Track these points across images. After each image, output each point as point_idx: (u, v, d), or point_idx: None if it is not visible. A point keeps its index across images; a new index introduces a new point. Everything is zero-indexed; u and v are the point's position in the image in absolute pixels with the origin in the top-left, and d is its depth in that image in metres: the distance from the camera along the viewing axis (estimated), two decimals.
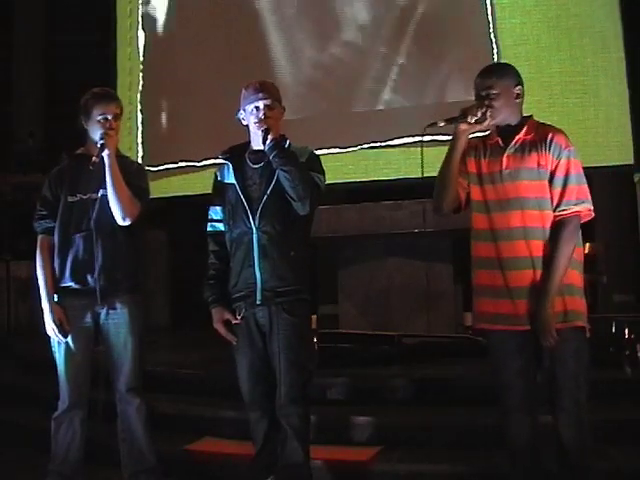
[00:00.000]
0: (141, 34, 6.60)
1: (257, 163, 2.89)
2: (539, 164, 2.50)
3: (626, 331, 3.98)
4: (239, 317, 2.85)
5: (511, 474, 2.60)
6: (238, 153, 2.95)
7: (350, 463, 3.35)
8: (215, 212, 2.96)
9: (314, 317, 4.27)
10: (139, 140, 6.46)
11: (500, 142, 2.59)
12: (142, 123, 6.45)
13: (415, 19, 5.77)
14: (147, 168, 6.33)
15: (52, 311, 2.99)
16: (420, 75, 5.72)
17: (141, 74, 6.52)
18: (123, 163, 3.10)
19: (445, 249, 4.85)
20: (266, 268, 2.80)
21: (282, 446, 2.82)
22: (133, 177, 3.08)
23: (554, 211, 2.49)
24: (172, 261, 7.04)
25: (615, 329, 4.09)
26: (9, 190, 7.54)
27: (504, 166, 2.54)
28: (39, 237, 3.10)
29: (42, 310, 3.02)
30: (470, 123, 2.55)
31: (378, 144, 5.69)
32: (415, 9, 5.78)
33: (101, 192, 3.03)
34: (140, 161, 6.42)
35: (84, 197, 3.04)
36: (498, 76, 2.58)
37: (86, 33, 7.72)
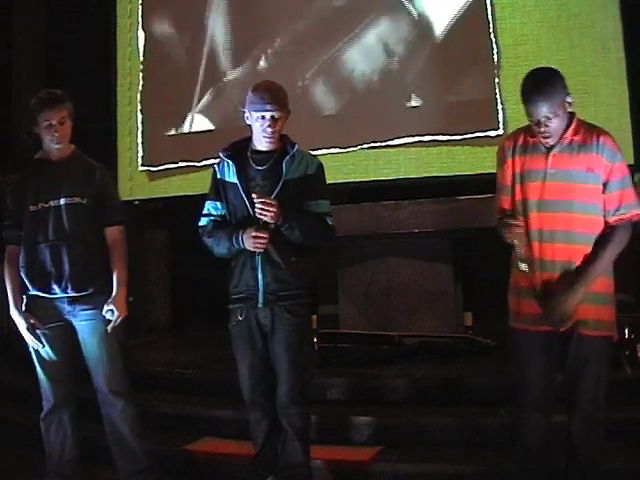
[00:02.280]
0: (141, 34, 6.59)
1: (261, 164, 2.86)
2: (588, 168, 2.44)
3: (626, 331, 3.98)
4: (240, 317, 2.84)
5: (515, 473, 2.59)
6: (239, 151, 2.91)
7: (350, 463, 3.35)
8: (215, 207, 2.92)
9: (314, 317, 4.28)
10: (139, 140, 6.45)
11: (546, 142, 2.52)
12: (142, 123, 6.44)
13: (415, 19, 5.76)
14: (147, 168, 6.43)
15: (24, 318, 2.96)
16: (420, 75, 5.71)
17: (141, 74, 6.51)
18: (85, 171, 3.06)
19: (445, 249, 4.85)
20: (268, 272, 2.79)
21: (283, 446, 2.82)
22: (100, 193, 3.04)
23: (612, 215, 2.46)
24: (172, 261, 7.03)
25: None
26: (9, 190, 7.52)
27: (549, 165, 2.49)
28: (8, 247, 3.07)
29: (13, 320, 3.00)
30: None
31: (378, 144, 5.69)
32: (415, 9, 5.78)
33: (62, 200, 2.99)
34: (140, 161, 6.43)
35: (45, 205, 3.00)
36: (553, 98, 2.42)
37: (86, 33, 7.71)
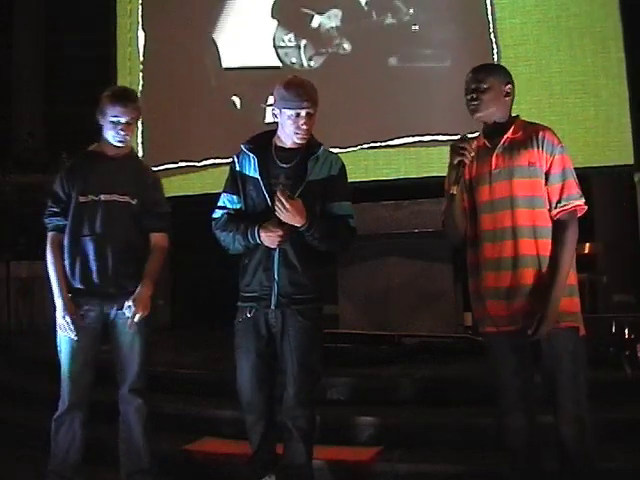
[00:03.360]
0: (141, 34, 6.60)
1: (285, 162, 2.80)
2: (530, 162, 2.49)
3: (626, 331, 3.98)
4: (249, 315, 2.79)
5: (510, 474, 2.60)
6: (262, 145, 2.84)
7: (350, 463, 3.35)
8: (231, 200, 2.84)
9: None
10: (139, 140, 6.44)
11: (487, 143, 2.59)
12: (142, 123, 6.43)
13: (415, 20, 5.77)
14: None
15: (65, 306, 2.94)
16: (420, 75, 5.71)
17: (141, 74, 6.51)
18: (138, 173, 3.08)
19: (445, 249, 4.84)
20: (285, 274, 2.74)
21: (286, 446, 2.80)
22: (150, 197, 3.05)
23: (555, 207, 2.49)
24: (172, 261, 7.03)
25: (615, 329, 4.09)
26: (9, 190, 7.53)
27: (493, 166, 2.54)
28: (49, 234, 3.05)
29: (54, 307, 2.97)
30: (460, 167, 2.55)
31: (378, 144, 5.69)
32: (415, 10, 5.78)
33: (114, 196, 2.99)
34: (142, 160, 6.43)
35: (95, 198, 2.99)
36: (488, 72, 2.61)
37: (86, 33, 7.71)
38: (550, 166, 2.49)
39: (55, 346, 3.03)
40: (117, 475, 3.09)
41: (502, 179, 2.52)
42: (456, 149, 2.55)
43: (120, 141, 3.03)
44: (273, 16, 6.22)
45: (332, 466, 3.28)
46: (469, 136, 2.60)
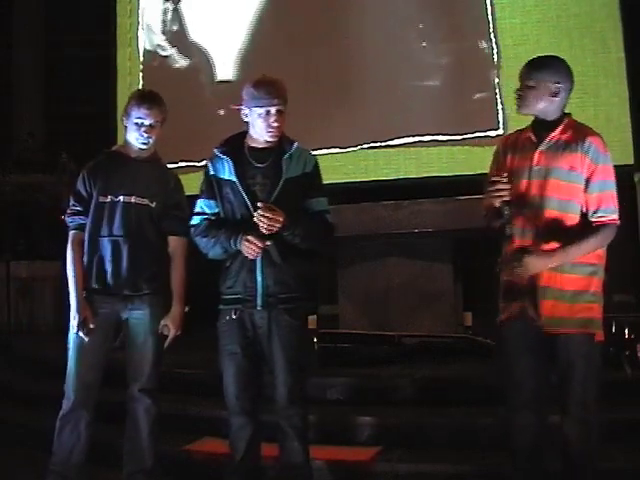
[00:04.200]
0: (141, 34, 6.60)
1: (260, 162, 2.80)
2: (571, 167, 2.46)
3: (626, 331, 3.98)
4: (234, 317, 2.77)
5: (513, 474, 2.59)
6: (235, 147, 2.84)
7: (350, 463, 3.35)
8: (209, 205, 2.84)
9: (314, 317, 4.27)
10: None
11: (533, 138, 2.55)
12: None
13: (415, 20, 5.77)
14: None
15: (79, 305, 2.93)
16: (420, 75, 5.71)
17: (141, 74, 6.52)
18: (160, 175, 3.09)
19: (445, 249, 4.85)
20: (269, 274, 2.73)
21: (282, 447, 2.79)
22: (171, 200, 3.06)
23: (591, 216, 2.47)
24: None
25: (615, 329, 4.09)
26: (9, 190, 7.53)
27: (535, 162, 2.51)
28: (71, 232, 3.04)
29: (69, 305, 2.96)
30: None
31: (378, 144, 5.70)
32: (415, 10, 5.78)
33: (133, 198, 2.99)
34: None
35: (115, 199, 2.99)
36: (536, 68, 2.57)
37: (86, 33, 7.71)
38: (592, 174, 2.47)
39: (58, 346, 3.03)
40: (118, 475, 3.08)
41: (540, 177, 2.49)
42: (491, 194, 2.49)
43: (143, 143, 3.02)
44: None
45: (332, 466, 3.28)
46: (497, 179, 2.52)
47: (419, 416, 3.63)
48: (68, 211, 3.06)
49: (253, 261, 2.72)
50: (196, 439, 3.68)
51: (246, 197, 2.75)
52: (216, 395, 3.98)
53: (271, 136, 2.78)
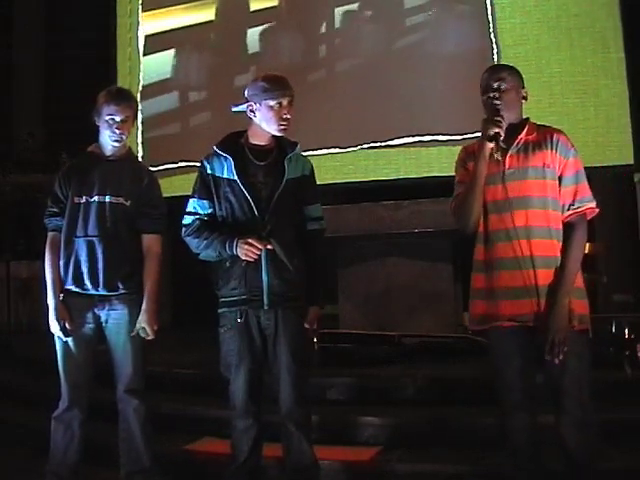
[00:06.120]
0: (141, 34, 6.60)
1: (261, 160, 2.79)
2: (545, 163, 2.50)
3: (626, 331, 3.98)
4: (240, 320, 2.74)
5: (517, 474, 2.59)
6: (234, 145, 2.83)
7: (350, 463, 3.35)
8: (202, 205, 2.80)
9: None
10: (139, 140, 6.45)
11: (501, 143, 2.57)
12: (142, 123, 6.45)
13: (415, 20, 5.77)
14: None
15: (57, 309, 2.96)
16: (420, 75, 5.71)
17: (141, 74, 6.52)
18: (134, 174, 3.08)
19: (445, 249, 4.85)
20: (275, 273, 2.72)
21: (289, 449, 2.77)
22: (145, 198, 3.05)
23: (567, 209, 2.51)
24: (172, 261, 7.03)
25: (615, 329, 4.09)
26: (9, 190, 7.53)
27: (507, 166, 2.54)
28: (49, 234, 3.06)
29: (47, 307, 2.98)
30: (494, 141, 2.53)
31: (378, 144, 5.69)
32: (415, 10, 5.78)
33: (107, 198, 2.99)
34: (140, 160, 6.43)
35: (89, 199, 3.00)
36: (509, 72, 2.61)
37: (86, 33, 7.71)
38: (564, 169, 2.51)
39: (53, 345, 3.04)
40: (116, 475, 3.08)
41: (516, 179, 2.51)
42: (492, 121, 2.52)
43: (116, 140, 3.03)
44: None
45: (332, 466, 3.28)
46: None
47: (419, 416, 3.62)
48: (46, 213, 3.08)
49: (258, 260, 2.70)
50: (196, 439, 3.68)
51: (247, 194, 2.73)
52: (216, 395, 4.00)
53: (282, 128, 2.78)
